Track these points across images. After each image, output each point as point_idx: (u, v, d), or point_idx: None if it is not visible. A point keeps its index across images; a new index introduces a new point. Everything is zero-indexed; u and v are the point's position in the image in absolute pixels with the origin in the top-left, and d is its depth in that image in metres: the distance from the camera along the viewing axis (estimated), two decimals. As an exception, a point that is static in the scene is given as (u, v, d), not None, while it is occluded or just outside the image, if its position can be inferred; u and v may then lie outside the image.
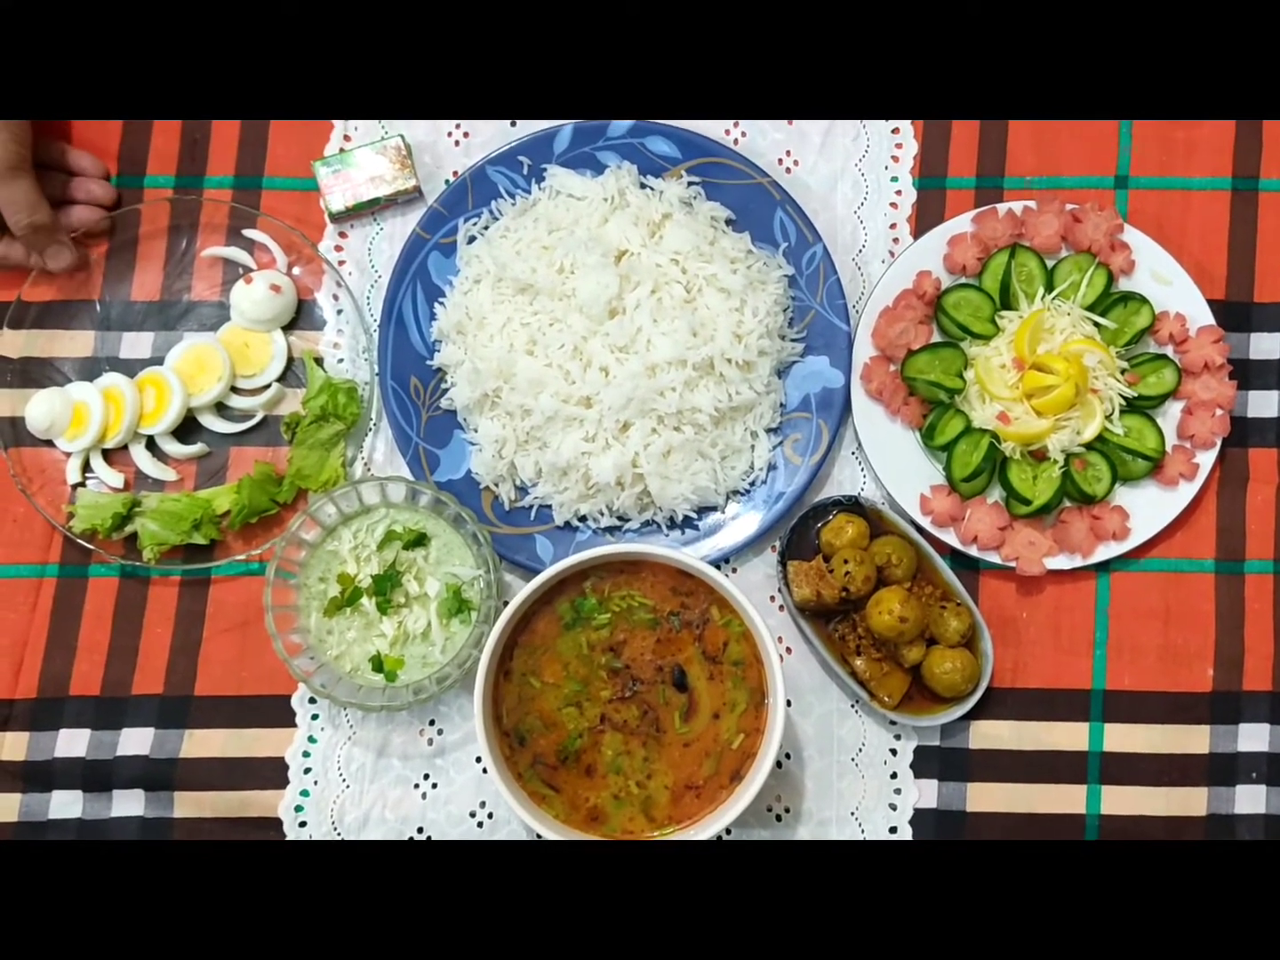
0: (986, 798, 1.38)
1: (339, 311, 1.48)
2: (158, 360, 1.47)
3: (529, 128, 1.49)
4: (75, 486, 1.44)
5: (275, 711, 1.40)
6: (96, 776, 1.38)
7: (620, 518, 1.41)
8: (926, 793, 1.39)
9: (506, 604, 1.27)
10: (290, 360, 1.47)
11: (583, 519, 1.41)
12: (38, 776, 1.39)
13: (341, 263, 1.50)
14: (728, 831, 1.35)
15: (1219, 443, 1.40)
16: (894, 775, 1.39)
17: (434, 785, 1.40)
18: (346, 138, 1.52)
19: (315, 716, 1.40)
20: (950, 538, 1.40)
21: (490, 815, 1.39)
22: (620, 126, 1.46)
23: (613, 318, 1.37)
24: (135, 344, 1.48)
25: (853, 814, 1.39)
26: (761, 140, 1.51)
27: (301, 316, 1.48)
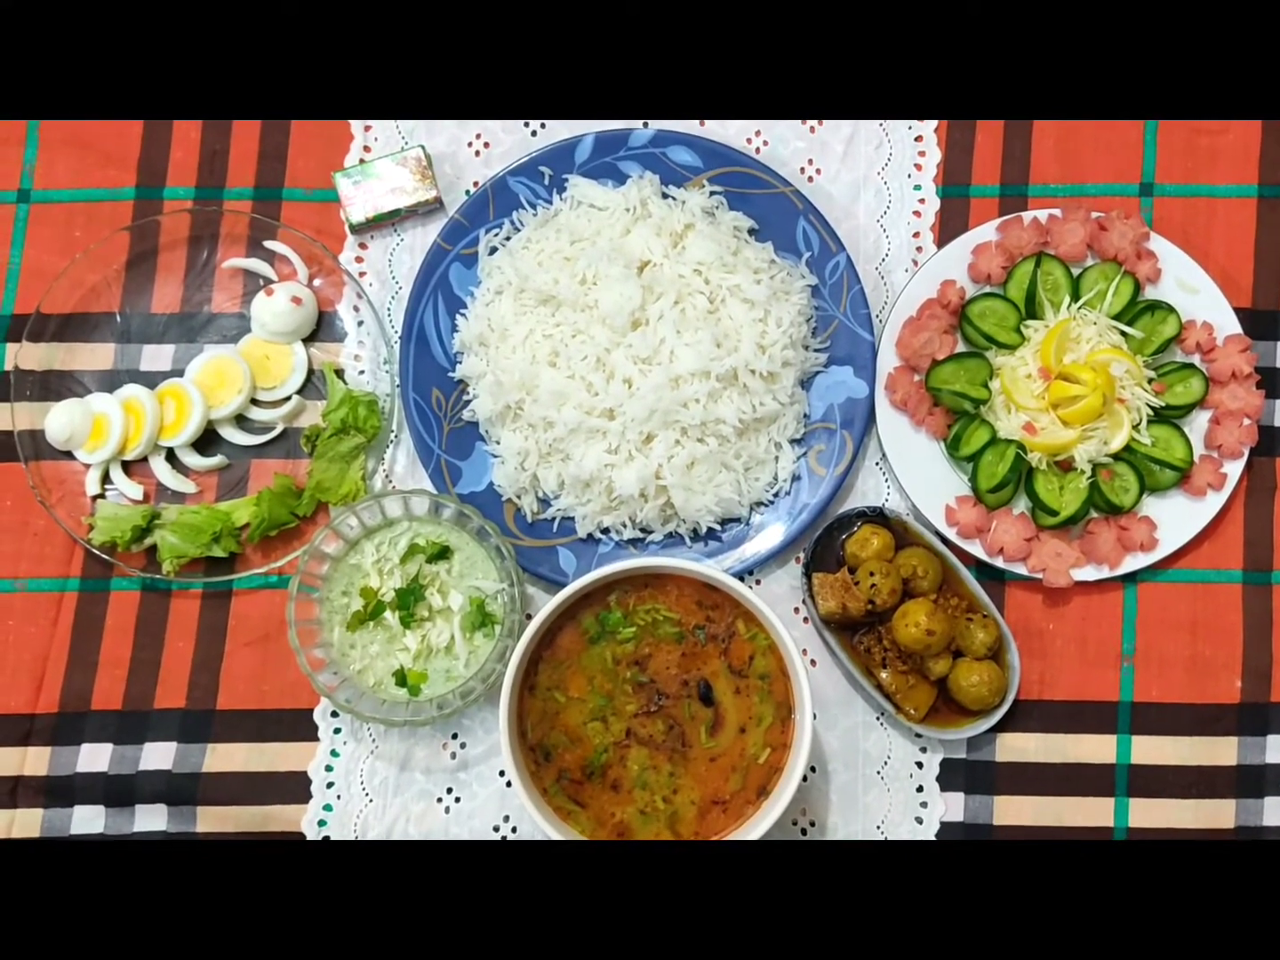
0: (1013, 811, 1.37)
1: (360, 323, 1.47)
2: (178, 372, 1.46)
3: (550, 138, 1.49)
4: (95, 498, 1.44)
5: (298, 725, 1.40)
6: (119, 791, 1.38)
7: (643, 530, 1.40)
8: (953, 806, 1.38)
9: (530, 617, 1.26)
10: (311, 372, 1.47)
11: (606, 531, 1.41)
12: (60, 792, 1.38)
13: (362, 274, 1.49)
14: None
15: (1247, 452, 1.39)
16: (920, 789, 1.38)
17: (457, 799, 1.39)
18: (366, 149, 1.51)
19: (338, 730, 1.40)
20: (976, 549, 1.39)
21: (514, 830, 1.38)
22: (642, 136, 1.45)
23: (635, 329, 1.36)
24: (155, 356, 1.48)
25: (878, 828, 1.38)
26: (783, 149, 1.51)
27: (322, 328, 1.48)
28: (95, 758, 1.39)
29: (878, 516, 1.39)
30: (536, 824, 1.22)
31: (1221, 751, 1.39)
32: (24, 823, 1.38)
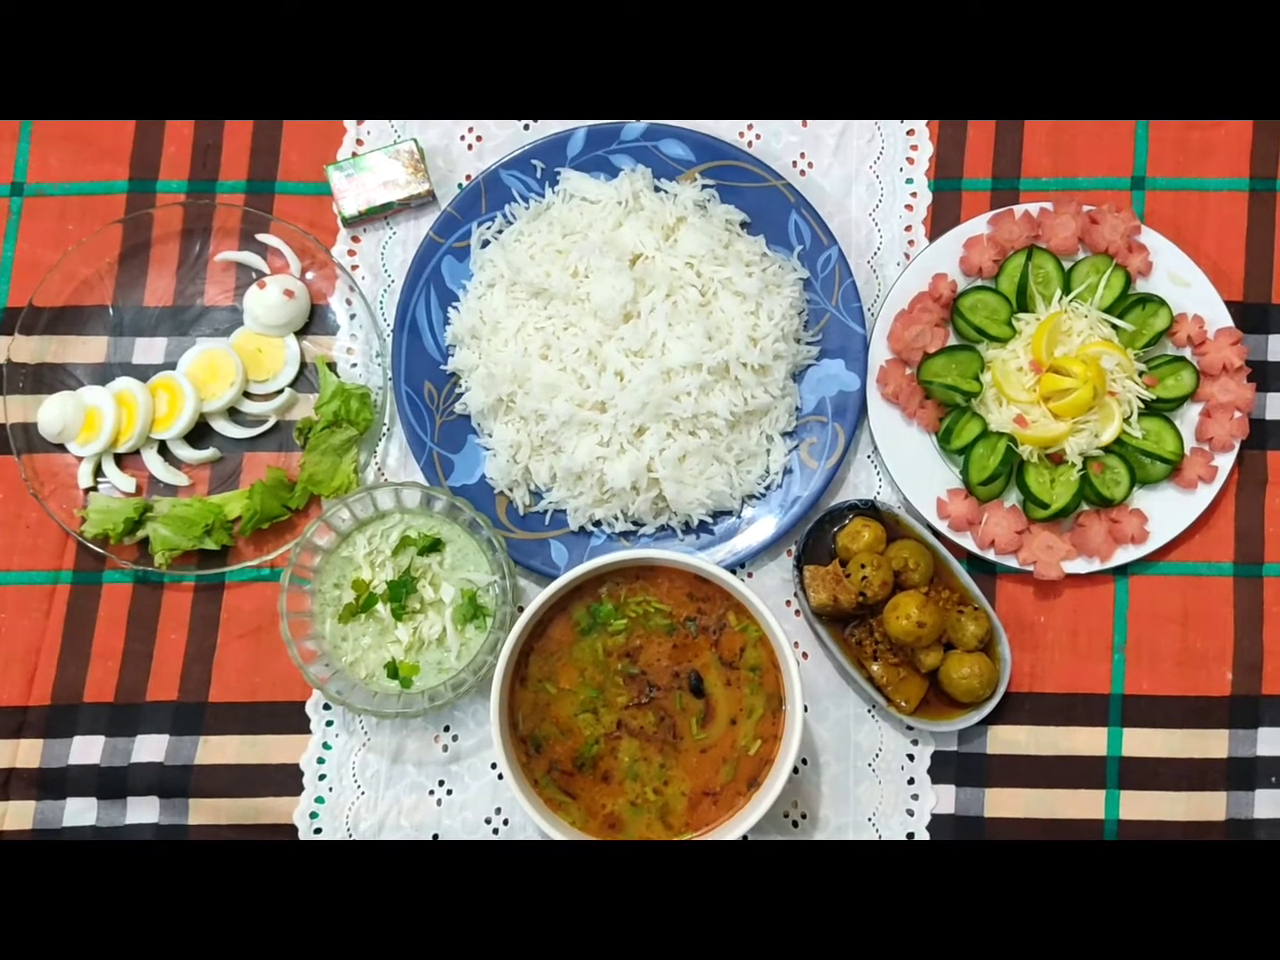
0: (1004, 803, 1.38)
1: (352, 316, 1.48)
2: (170, 365, 1.47)
3: (542, 131, 1.49)
4: (87, 491, 1.44)
5: (290, 717, 1.40)
6: (111, 784, 1.38)
7: (635, 522, 1.41)
8: (944, 798, 1.38)
9: (522, 609, 1.26)
10: (303, 365, 1.47)
11: (597, 524, 1.41)
12: (52, 784, 1.38)
13: (355, 267, 1.49)
14: (744, 837, 1.34)
15: (1238, 445, 1.40)
16: (911, 781, 1.38)
17: (449, 791, 1.39)
18: (359, 142, 1.51)
19: (330, 723, 1.40)
20: (967, 542, 1.39)
21: (506, 822, 1.38)
22: (634, 129, 1.45)
23: (627, 322, 1.37)
24: (148, 349, 1.48)
25: (870, 820, 1.38)
26: (776, 143, 1.51)
27: (314, 321, 1.48)
28: (88, 750, 1.39)
29: (869, 509, 1.39)
30: (528, 815, 1.22)
31: (1212, 744, 1.39)
32: (16, 815, 1.38)
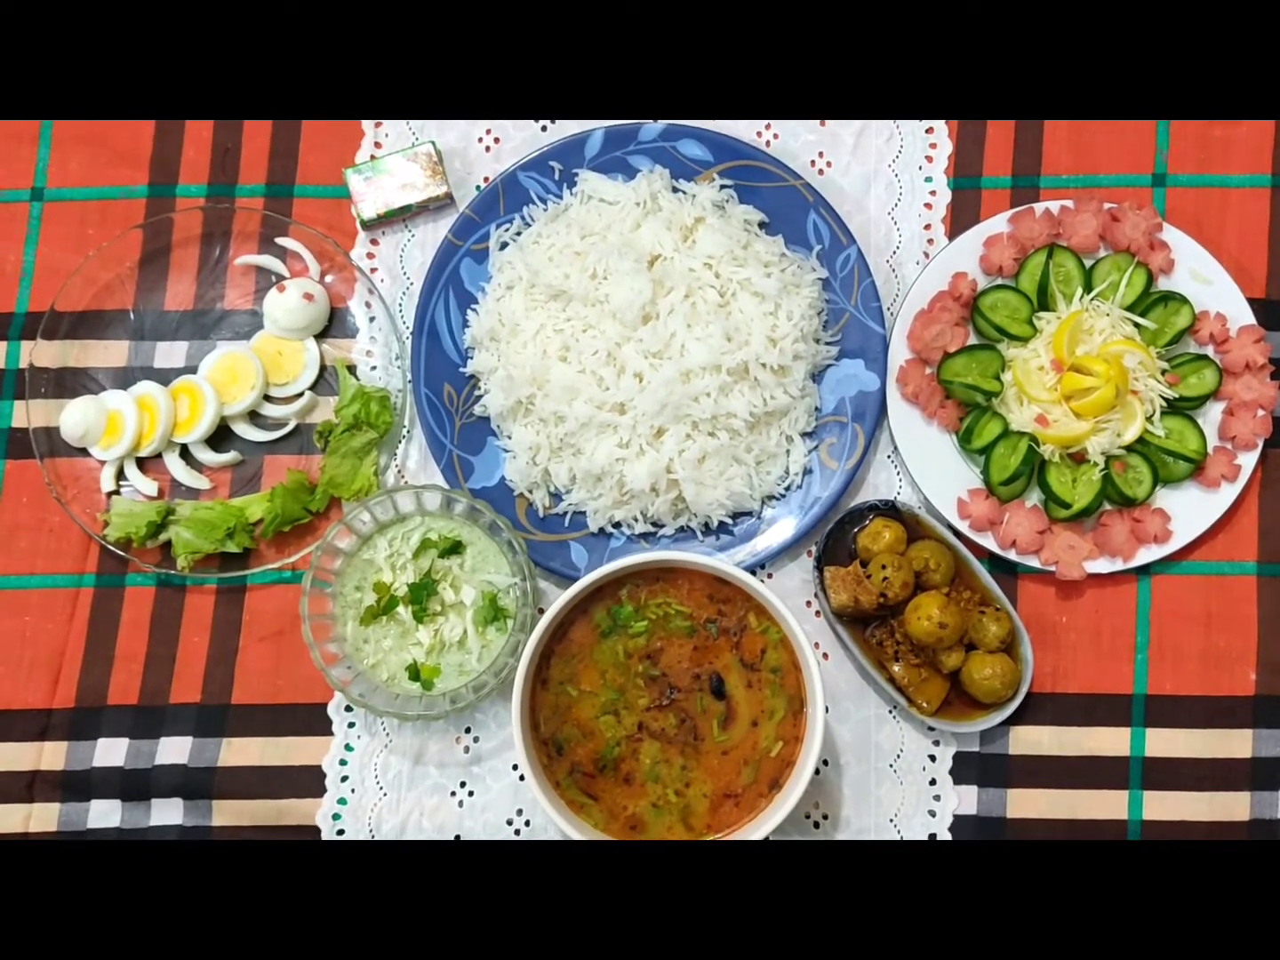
0: (1027, 804, 1.37)
1: (371, 319, 1.48)
2: (191, 369, 1.47)
3: (560, 132, 1.49)
4: (110, 495, 1.44)
5: (312, 719, 1.40)
6: (135, 786, 1.39)
7: (655, 524, 1.40)
8: (966, 799, 1.38)
9: (542, 611, 1.27)
10: (323, 368, 1.47)
11: (617, 525, 1.41)
12: (76, 786, 1.39)
13: (374, 270, 1.50)
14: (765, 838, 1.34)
15: (1261, 444, 1.39)
16: (933, 781, 1.38)
17: (470, 793, 1.39)
18: (377, 145, 1.52)
19: (352, 724, 1.40)
20: (989, 542, 1.38)
21: (528, 823, 1.39)
22: (652, 130, 1.45)
23: (646, 323, 1.37)
24: (169, 353, 1.48)
25: (891, 821, 1.38)
26: (794, 142, 1.50)
27: (334, 324, 1.48)
28: (111, 752, 1.40)
29: (889, 510, 1.39)
30: (549, 817, 1.22)
31: (1236, 744, 1.38)
32: (41, 817, 1.39)
